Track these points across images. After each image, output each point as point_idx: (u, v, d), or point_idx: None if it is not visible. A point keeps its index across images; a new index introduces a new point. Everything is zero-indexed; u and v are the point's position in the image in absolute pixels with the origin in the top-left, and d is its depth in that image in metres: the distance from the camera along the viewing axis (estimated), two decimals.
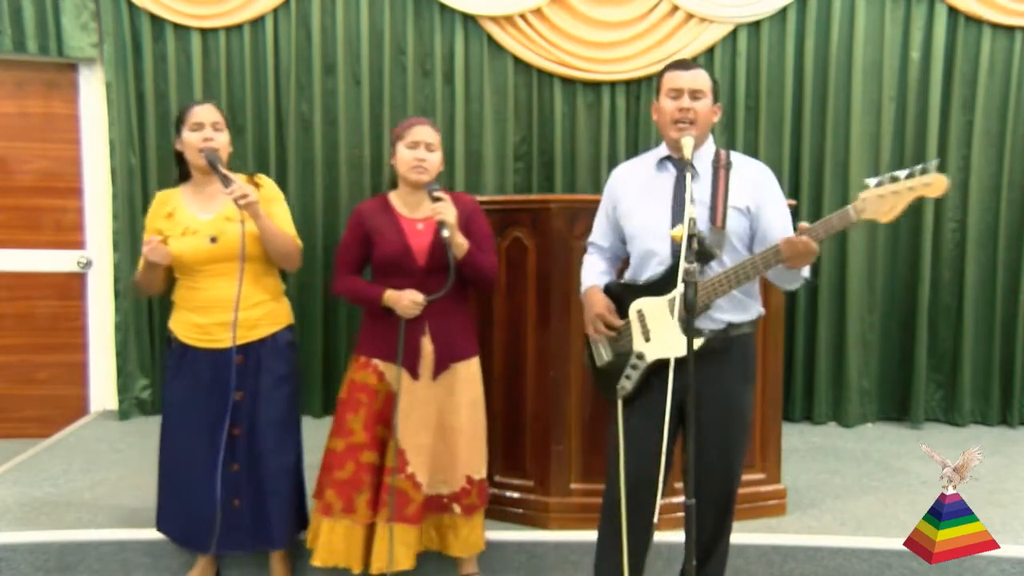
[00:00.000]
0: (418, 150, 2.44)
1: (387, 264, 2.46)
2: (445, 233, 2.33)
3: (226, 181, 2.36)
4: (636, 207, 2.20)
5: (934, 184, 1.81)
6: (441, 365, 2.48)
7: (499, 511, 2.92)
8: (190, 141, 2.44)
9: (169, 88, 4.09)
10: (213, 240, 2.43)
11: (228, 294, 2.44)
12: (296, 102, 4.12)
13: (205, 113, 2.46)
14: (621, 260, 2.35)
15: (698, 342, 2.04)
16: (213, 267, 2.45)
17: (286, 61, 4.11)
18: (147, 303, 4.17)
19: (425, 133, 2.46)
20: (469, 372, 2.55)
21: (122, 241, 4.09)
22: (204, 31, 4.08)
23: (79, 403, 4.30)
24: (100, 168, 4.17)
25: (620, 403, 2.18)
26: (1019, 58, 4.18)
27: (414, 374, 2.48)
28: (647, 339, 2.14)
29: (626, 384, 2.17)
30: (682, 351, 2.02)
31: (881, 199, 1.85)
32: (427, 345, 2.47)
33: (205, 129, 2.44)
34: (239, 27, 4.09)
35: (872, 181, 1.86)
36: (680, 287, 1.91)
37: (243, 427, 2.48)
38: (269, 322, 2.52)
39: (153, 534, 2.75)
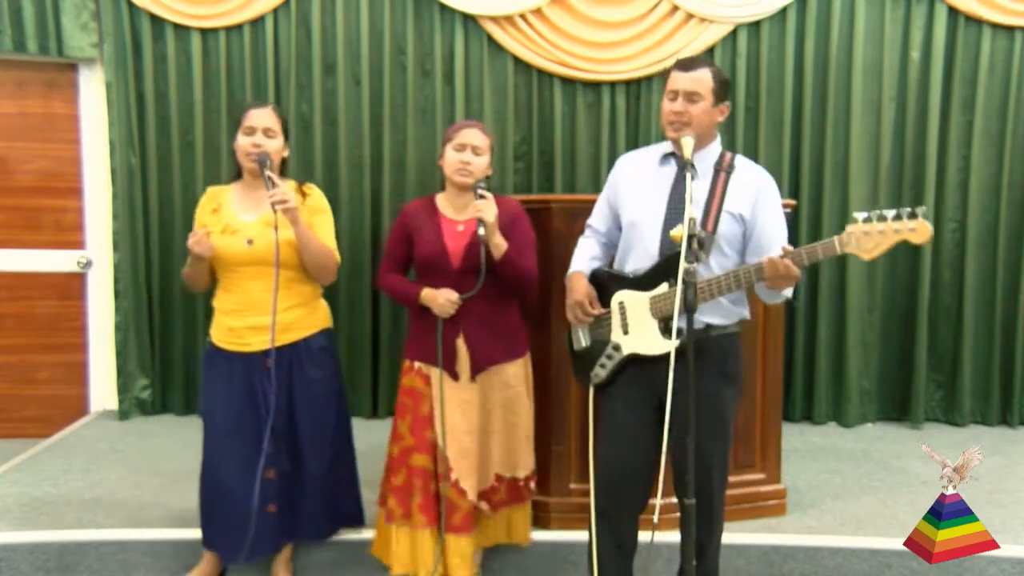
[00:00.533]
0: (464, 153, 2.46)
1: (424, 264, 2.49)
2: (482, 231, 2.33)
3: (270, 184, 2.37)
4: (632, 197, 2.21)
5: (918, 231, 1.83)
6: (477, 367, 2.48)
7: None
8: (241, 145, 2.46)
9: (169, 88, 4.09)
10: (249, 242, 2.43)
11: (260, 298, 2.45)
12: (296, 102, 4.12)
13: (259, 117, 2.47)
14: (615, 246, 2.34)
15: (676, 342, 2.03)
16: (247, 269, 2.45)
17: (286, 61, 4.11)
18: (147, 303, 4.17)
19: (473, 136, 2.47)
20: (507, 374, 2.53)
21: (122, 241, 4.09)
22: (204, 31, 4.08)
23: (79, 403, 4.30)
24: (100, 168, 4.17)
25: (592, 390, 2.22)
26: (1019, 58, 4.18)
27: (453, 375, 2.48)
28: (625, 332, 2.15)
29: (600, 372, 2.20)
30: (658, 349, 2.05)
31: (866, 236, 1.87)
32: (462, 346, 2.47)
33: (256, 134, 2.45)
34: (239, 27, 4.09)
35: (860, 216, 1.87)
36: (673, 285, 1.94)
37: (280, 432, 2.48)
38: (301, 326, 2.52)
39: (153, 534, 2.77)
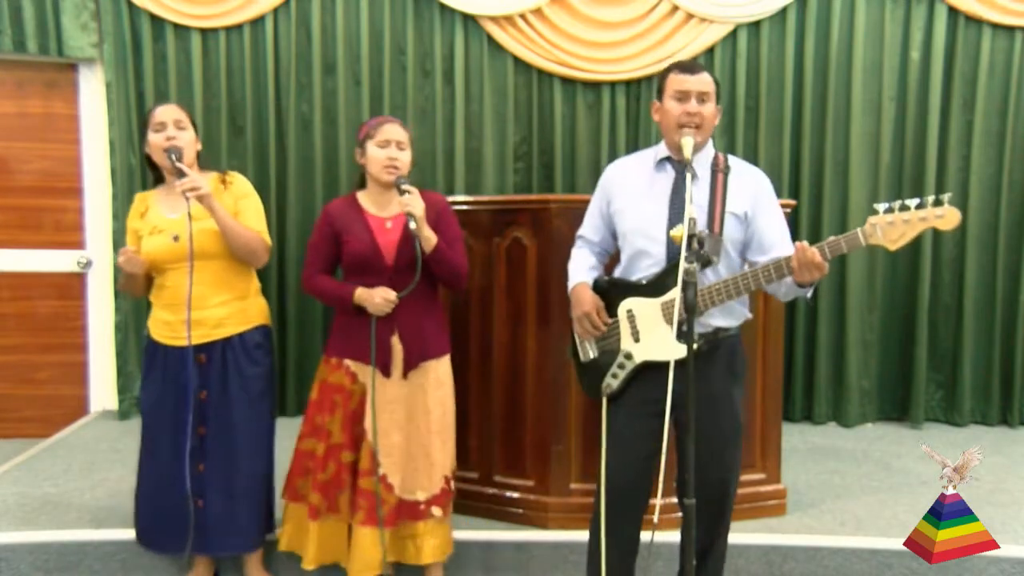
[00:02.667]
0: (390, 148, 2.43)
1: (356, 263, 2.46)
2: (412, 225, 2.32)
3: (179, 174, 2.35)
4: (631, 205, 2.19)
5: (947, 217, 1.86)
6: (411, 363, 2.47)
7: (499, 511, 2.92)
8: (154, 142, 2.44)
9: (169, 88, 4.09)
10: (175, 239, 2.43)
11: (198, 291, 2.44)
12: (296, 102, 4.12)
13: (166, 113, 2.46)
14: (610, 256, 2.34)
15: (694, 345, 2.04)
16: (178, 265, 2.45)
17: (286, 61, 4.11)
18: (147, 303, 4.15)
19: (396, 132, 2.45)
20: (440, 371, 2.53)
21: (122, 241, 4.06)
22: (204, 31, 4.08)
23: (79, 403, 4.30)
24: (100, 168, 4.18)
25: (605, 401, 2.18)
26: (1019, 58, 4.18)
27: (386, 373, 2.47)
28: (636, 340, 2.14)
29: (612, 383, 2.17)
30: (674, 354, 2.02)
31: (891, 226, 1.88)
32: (396, 344, 2.46)
33: (168, 128, 2.44)
34: (239, 27, 4.09)
35: (881, 207, 1.89)
36: (679, 288, 1.90)
37: (210, 427, 2.48)
38: (236, 322, 2.50)
39: None
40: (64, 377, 4.28)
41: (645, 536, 2.24)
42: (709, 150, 2.19)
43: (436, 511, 2.52)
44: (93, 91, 4.17)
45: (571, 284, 2.28)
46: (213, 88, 4.11)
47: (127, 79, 4.06)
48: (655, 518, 2.01)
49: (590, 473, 2.84)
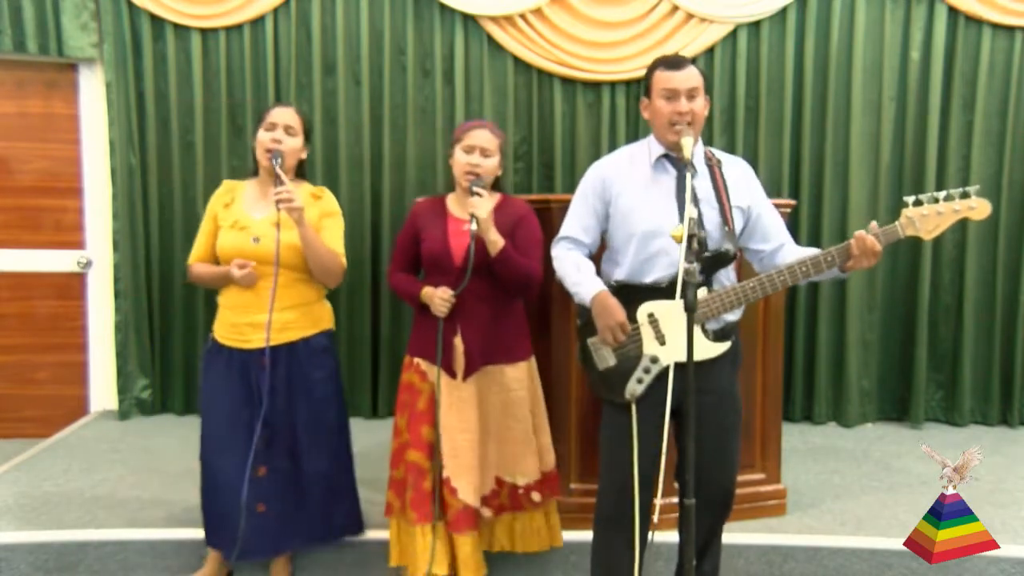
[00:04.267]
0: (473, 155, 2.45)
1: (429, 262, 2.49)
2: (474, 226, 2.32)
3: (278, 182, 2.37)
4: (640, 206, 2.16)
5: (979, 208, 1.97)
6: (472, 366, 2.46)
7: None
8: (261, 139, 2.47)
9: (169, 88, 4.09)
10: (256, 240, 2.44)
11: (263, 296, 2.44)
12: (296, 102, 4.11)
13: (281, 115, 2.48)
14: (594, 256, 2.31)
15: (723, 346, 2.08)
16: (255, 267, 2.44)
17: (286, 61, 4.11)
18: (147, 303, 4.17)
19: (482, 138, 2.46)
20: (506, 376, 2.50)
21: (122, 241, 4.10)
22: (204, 31, 4.08)
23: (79, 403, 4.30)
24: (100, 168, 4.18)
25: (634, 407, 2.12)
26: (1019, 58, 4.18)
27: (450, 373, 2.47)
28: (662, 343, 2.10)
29: (636, 388, 2.11)
30: (706, 353, 2.05)
31: (924, 218, 1.97)
32: (459, 345, 2.46)
33: (277, 130, 2.46)
34: (239, 27, 4.09)
35: (911, 200, 1.97)
36: (712, 289, 2.01)
37: (276, 431, 2.47)
38: (301, 326, 2.51)
39: (153, 534, 2.76)
40: (64, 377, 4.28)
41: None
42: (700, 144, 2.19)
43: (485, 511, 2.51)
44: (93, 91, 4.17)
45: (589, 292, 2.16)
46: (213, 88, 4.11)
47: (127, 79, 4.06)
48: (655, 518, 2.01)
49: (590, 473, 2.84)
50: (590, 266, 2.25)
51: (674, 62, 2.14)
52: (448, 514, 2.45)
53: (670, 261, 2.10)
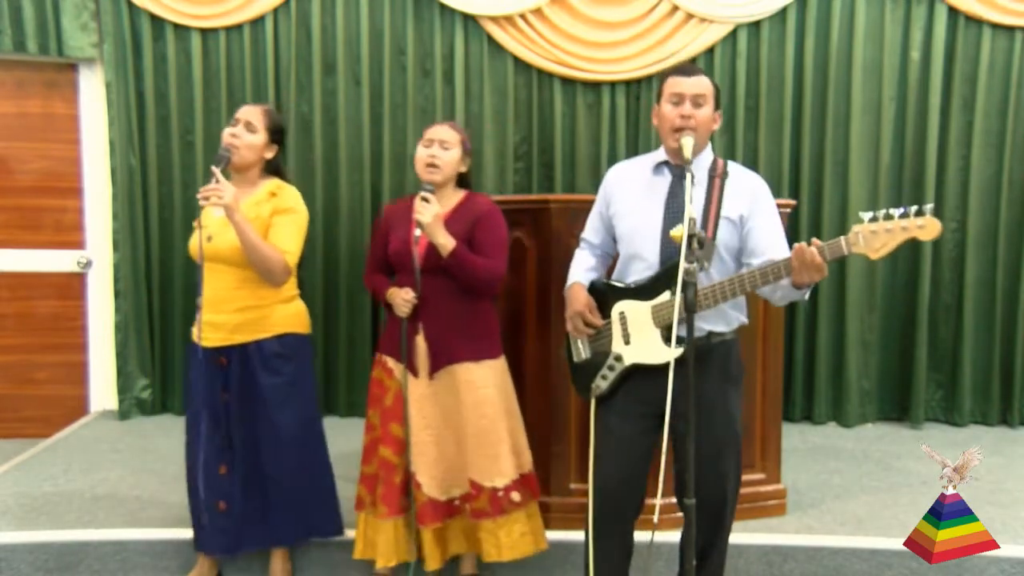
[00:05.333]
0: (432, 147, 2.46)
1: (396, 262, 2.51)
2: (418, 232, 2.36)
3: (212, 180, 2.34)
4: (629, 209, 2.19)
5: (927, 227, 1.82)
6: (436, 364, 2.48)
7: None
8: (223, 135, 2.47)
9: (169, 88, 4.09)
10: (209, 239, 2.44)
11: (217, 295, 2.45)
12: (296, 102, 4.12)
13: (245, 111, 2.50)
14: (612, 258, 2.34)
15: (680, 350, 2.02)
16: (209, 265, 2.45)
17: (286, 61, 4.11)
18: (147, 303, 4.17)
19: (441, 132, 2.48)
20: (472, 374, 2.50)
21: (122, 241, 4.09)
22: (204, 31, 4.08)
23: (79, 403, 4.30)
24: (100, 168, 4.18)
25: (593, 402, 2.19)
26: (1019, 58, 4.18)
27: (413, 372, 2.50)
28: (626, 342, 2.14)
29: (601, 384, 2.18)
30: (661, 358, 2.04)
31: (873, 235, 1.86)
32: (421, 343, 2.48)
33: (237, 126, 2.46)
34: (239, 27, 4.09)
35: (866, 216, 1.86)
36: (679, 288, 1.89)
37: (233, 430, 2.48)
38: (252, 329, 2.47)
39: (153, 534, 2.77)
40: (64, 377, 4.28)
41: (643, 536, 2.24)
42: (708, 155, 2.18)
43: (467, 508, 2.53)
44: (93, 91, 4.17)
45: (567, 284, 2.30)
46: (213, 88, 4.11)
47: (127, 79, 4.06)
48: (655, 518, 2.01)
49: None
50: (584, 263, 2.31)
51: (685, 69, 2.16)
52: (416, 507, 2.49)
53: (646, 265, 2.12)
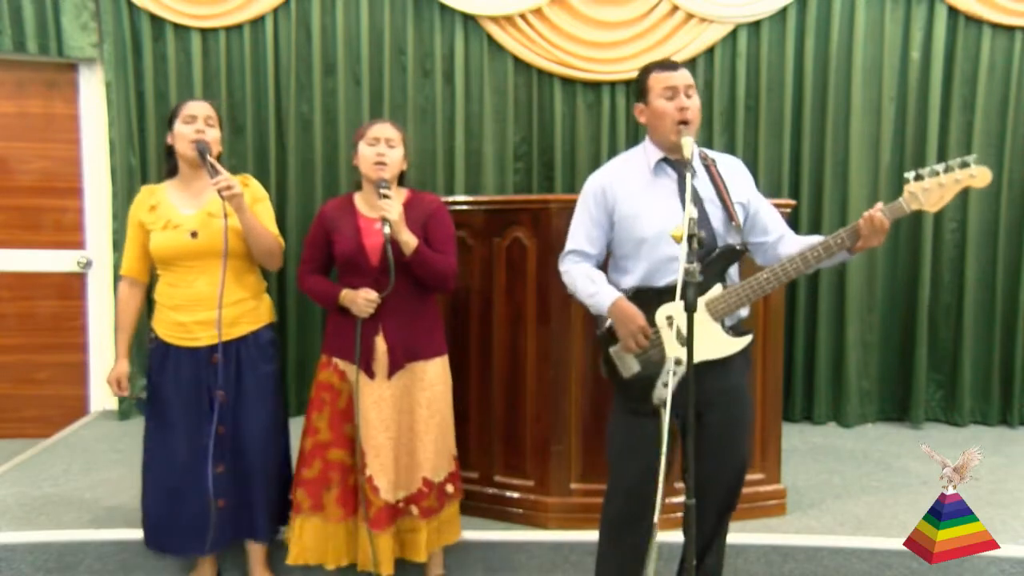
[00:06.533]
0: (378, 146, 2.44)
1: (343, 263, 2.48)
2: (387, 230, 2.34)
3: (213, 172, 2.36)
4: (644, 212, 2.14)
5: (979, 176, 1.95)
6: (395, 365, 2.47)
7: (499, 511, 2.92)
8: (182, 133, 2.44)
9: (169, 88, 4.09)
10: (193, 235, 2.42)
11: (208, 291, 2.43)
12: (296, 102, 4.12)
13: (199, 107, 2.48)
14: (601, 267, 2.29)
15: (743, 340, 2.09)
16: (193, 263, 2.44)
17: (286, 61, 4.11)
18: (147, 303, 4.15)
19: (385, 130, 2.46)
20: (429, 373, 2.51)
21: (122, 241, 4.06)
22: (204, 31, 4.08)
23: (79, 403, 4.30)
24: (100, 168, 4.18)
25: (664, 412, 2.04)
26: (1019, 58, 4.18)
27: (369, 373, 2.46)
28: (683, 344, 2.05)
29: (664, 393, 2.06)
30: (728, 349, 2.06)
31: (927, 192, 1.96)
32: (380, 344, 2.45)
33: (198, 122, 2.44)
34: (239, 27, 4.09)
35: (911, 175, 1.97)
36: (727, 285, 2.01)
37: (228, 427, 2.47)
38: (250, 320, 2.50)
39: None
40: (64, 377, 4.28)
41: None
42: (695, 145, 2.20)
43: (413, 510, 2.51)
44: (93, 91, 4.17)
45: (606, 300, 2.12)
46: (213, 88, 4.11)
47: (127, 79, 4.06)
48: (655, 518, 2.00)
49: (590, 473, 2.84)
50: (602, 275, 2.22)
51: (669, 64, 2.17)
52: (370, 512, 2.45)
53: (679, 264, 2.09)
